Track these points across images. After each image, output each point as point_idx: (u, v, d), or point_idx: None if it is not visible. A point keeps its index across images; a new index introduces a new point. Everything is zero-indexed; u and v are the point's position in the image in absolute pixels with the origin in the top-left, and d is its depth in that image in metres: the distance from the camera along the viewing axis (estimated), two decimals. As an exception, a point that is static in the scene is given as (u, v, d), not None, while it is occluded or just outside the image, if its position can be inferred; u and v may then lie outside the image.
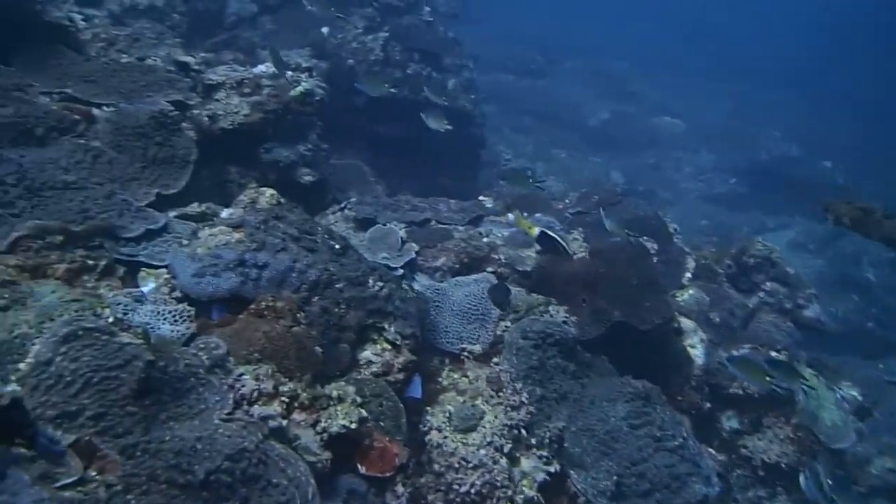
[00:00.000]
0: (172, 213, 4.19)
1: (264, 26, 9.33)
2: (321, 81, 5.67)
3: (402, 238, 5.30)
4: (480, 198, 6.38)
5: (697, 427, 5.07)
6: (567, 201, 6.53)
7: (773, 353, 5.26)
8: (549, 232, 4.38)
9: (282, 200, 4.30)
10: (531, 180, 5.96)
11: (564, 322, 4.52)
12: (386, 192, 8.81)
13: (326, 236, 4.17)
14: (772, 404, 5.25)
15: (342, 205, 5.67)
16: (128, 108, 4.54)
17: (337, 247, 4.09)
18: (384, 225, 5.43)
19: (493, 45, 17.61)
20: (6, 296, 2.90)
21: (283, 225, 3.98)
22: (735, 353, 5.17)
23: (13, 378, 2.57)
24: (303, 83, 5.48)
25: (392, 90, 7.70)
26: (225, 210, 4.14)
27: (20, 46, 4.69)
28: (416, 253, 5.17)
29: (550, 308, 4.62)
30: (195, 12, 8.50)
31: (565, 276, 5.02)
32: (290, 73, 5.56)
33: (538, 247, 4.56)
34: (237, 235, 3.73)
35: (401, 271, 4.93)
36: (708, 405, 5.13)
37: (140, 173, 4.33)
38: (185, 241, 3.73)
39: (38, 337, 2.73)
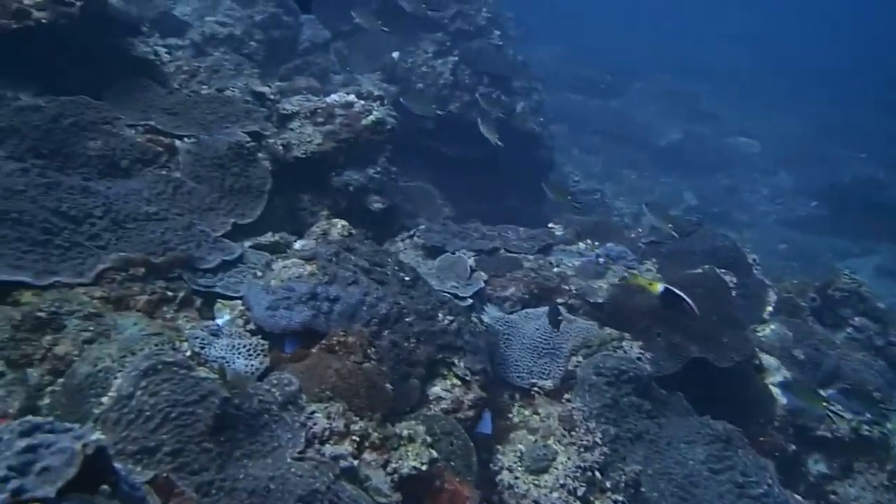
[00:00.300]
0: (247, 244, 4.28)
1: (337, 51, 9.53)
2: (392, 109, 5.69)
3: (470, 267, 5.25)
4: (550, 225, 6.27)
5: (782, 470, 4.79)
6: (640, 230, 6.35)
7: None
8: (675, 290, 4.19)
9: (353, 232, 4.33)
10: (569, 196, 5.84)
11: (639, 358, 4.36)
12: (453, 214, 8.83)
13: (396, 268, 4.17)
14: (863, 448, 4.93)
15: (411, 232, 5.67)
16: (207, 139, 4.68)
17: (407, 279, 4.08)
18: (453, 253, 5.40)
19: (563, 64, 17.53)
20: (91, 328, 2.99)
21: (354, 257, 4.00)
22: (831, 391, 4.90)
23: (96, 411, 2.64)
24: (374, 112, 5.53)
25: (438, 112, 7.81)
26: (298, 241, 4.20)
27: (111, 80, 4.91)
28: (485, 282, 5.12)
29: (624, 343, 4.47)
30: (271, 40, 8.77)
31: (639, 308, 4.86)
32: (361, 101, 5.61)
33: (661, 303, 4.33)
34: (309, 268, 3.76)
35: (469, 301, 4.88)
36: (793, 447, 4.86)
37: (217, 203, 4.43)
38: (259, 273, 3.78)
39: (120, 371, 2.79)
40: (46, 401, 2.76)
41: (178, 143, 4.67)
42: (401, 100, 7.01)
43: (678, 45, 25.11)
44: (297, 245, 4.13)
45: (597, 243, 5.83)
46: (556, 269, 5.30)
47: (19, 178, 3.55)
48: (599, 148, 14.97)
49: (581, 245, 5.84)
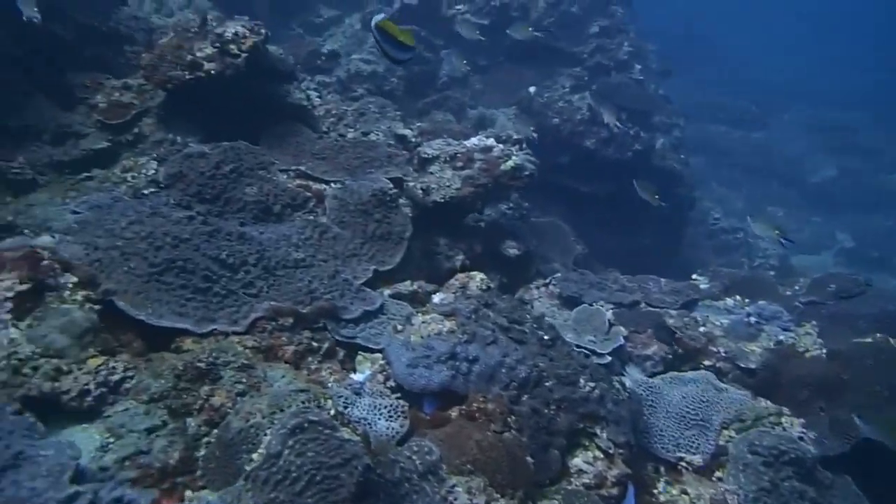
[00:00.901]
0: (387, 292, 4.32)
1: (473, 86, 9.61)
2: (530, 154, 5.61)
3: (609, 321, 5.04)
4: (694, 277, 5.92)
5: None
6: (797, 287, 5.85)
7: None
8: None
9: (491, 286, 4.27)
10: (776, 231, 5.45)
11: (801, 437, 3.97)
12: (585, 251, 8.60)
13: (535, 325, 4.05)
14: None
15: (547, 280, 5.54)
16: (352, 184, 4.80)
17: (546, 338, 3.95)
18: (590, 305, 5.22)
19: (706, 92, 16.77)
20: (244, 380, 3.09)
21: (492, 314, 3.92)
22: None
23: (247, 468, 2.70)
24: (513, 157, 5.47)
25: (536, 34, 7.68)
26: (437, 295, 4.18)
27: (268, 124, 5.18)
28: (625, 338, 4.88)
29: (783, 419, 4.09)
30: (411, 75, 8.99)
31: (798, 378, 4.45)
32: (500, 145, 5.57)
33: None
34: (448, 324, 3.72)
35: (608, 359, 4.67)
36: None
37: (359, 249, 4.52)
38: (399, 327, 3.79)
39: (269, 427, 2.85)
40: (202, 452, 2.86)
41: (325, 187, 4.83)
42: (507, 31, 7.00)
43: (824, 74, 23.31)
44: (437, 299, 4.11)
45: (747, 300, 5.42)
46: (702, 328, 4.97)
47: (186, 226, 3.77)
48: (741, 182, 14.13)
49: (729, 301, 5.46)
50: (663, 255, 9.28)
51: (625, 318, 5.14)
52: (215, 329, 3.41)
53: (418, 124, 6.35)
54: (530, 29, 8.21)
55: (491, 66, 9.66)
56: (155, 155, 4.66)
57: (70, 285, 3.09)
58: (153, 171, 4.49)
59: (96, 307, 3.12)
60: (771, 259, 11.06)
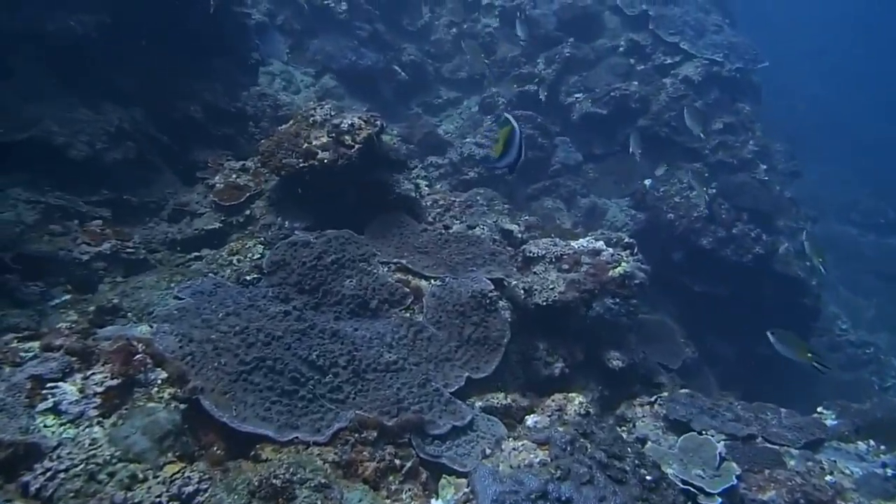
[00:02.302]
0: (479, 404, 4.09)
1: (587, 174, 9.42)
2: (642, 261, 5.29)
3: (720, 454, 4.54)
4: (819, 410, 5.30)
5: None
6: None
7: None
8: None
9: (590, 410, 3.93)
10: (809, 354, 4.69)
11: None
12: (695, 355, 8.03)
13: (637, 462, 3.66)
14: None
15: (653, 398, 5.11)
16: (452, 283, 4.65)
17: (648, 478, 3.56)
18: (700, 434, 4.74)
19: (834, 187, 15.73)
20: (319, 502, 2.92)
21: (590, 446, 3.58)
22: None
23: None
24: (623, 263, 5.18)
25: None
26: (531, 417, 3.89)
27: (375, 213, 5.16)
28: (737, 477, 4.37)
29: None
30: (524, 160, 8.89)
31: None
32: (609, 249, 5.29)
33: None
34: (541, 454, 3.42)
35: (718, 500, 4.18)
36: None
37: (454, 353, 4.33)
38: (488, 451, 3.53)
39: (338, 563, 2.65)
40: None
41: (424, 283, 4.71)
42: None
43: None
44: (530, 421, 3.82)
45: (882, 447, 4.76)
46: (829, 477, 4.38)
47: (280, 322, 3.72)
48: (873, 290, 12.95)
49: (861, 446, 4.81)
50: (785, 372, 8.52)
51: (738, 453, 4.61)
52: (297, 437, 3.28)
53: (525, 217, 6.19)
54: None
55: (606, 154, 9.45)
56: (262, 238, 4.72)
57: (159, 381, 3.06)
58: (258, 256, 4.54)
59: (182, 406, 3.07)
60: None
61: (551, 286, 5.12)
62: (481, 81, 9.93)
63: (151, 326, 3.43)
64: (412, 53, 9.64)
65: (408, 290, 4.59)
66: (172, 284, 3.94)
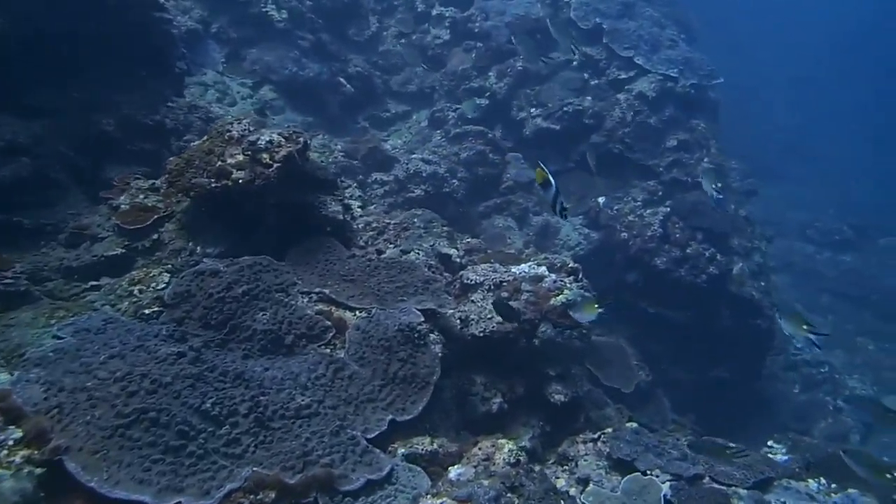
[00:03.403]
0: (401, 451, 3.71)
1: (539, 192, 9.11)
2: (588, 290, 4.99)
3: (665, 497, 4.25)
4: (769, 444, 5.05)
5: None
6: (900, 474, 4.85)
7: None
8: None
9: (521, 458, 3.58)
10: (805, 326, 4.45)
11: None
12: (649, 379, 7.78)
13: (571, 518, 3.33)
14: None
15: (596, 435, 4.79)
16: (379, 314, 4.28)
17: (583, 537, 3.22)
18: (645, 474, 4.43)
19: (791, 207, 15.75)
20: (192, 585, 2.51)
21: (518, 501, 3.24)
22: None
23: None
24: (565, 291, 4.87)
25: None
26: (455, 468, 3.53)
27: (299, 237, 4.76)
28: (683, 524, 4.07)
29: None
30: (475, 177, 8.61)
31: None
32: (552, 276, 4.98)
33: None
34: (462, 514, 3.06)
35: (661, 551, 3.87)
36: None
37: (377, 393, 3.94)
38: (403, 510, 3.15)
39: None
40: None
41: (348, 315, 4.33)
42: None
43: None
44: (453, 474, 3.46)
45: (833, 486, 4.51)
46: (781, 523, 4.10)
47: (170, 366, 3.30)
48: (828, 308, 12.91)
49: (812, 484, 4.55)
50: (741, 394, 8.31)
51: (684, 495, 4.31)
52: (180, 502, 2.86)
53: (467, 240, 5.84)
54: None
55: (560, 172, 9.18)
56: (170, 266, 4.29)
57: (10, 443, 2.62)
58: (163, 285, 4.10)
59: (38, 471, 2.64)
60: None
61: (489, 315, 4.78)
62: (431, 95, 9.61)
63: (12, 374, 2.98)
64: (359, 65, 9.27)
65: (329, 322, 4.20)
66: (52, 321, 3.49)
